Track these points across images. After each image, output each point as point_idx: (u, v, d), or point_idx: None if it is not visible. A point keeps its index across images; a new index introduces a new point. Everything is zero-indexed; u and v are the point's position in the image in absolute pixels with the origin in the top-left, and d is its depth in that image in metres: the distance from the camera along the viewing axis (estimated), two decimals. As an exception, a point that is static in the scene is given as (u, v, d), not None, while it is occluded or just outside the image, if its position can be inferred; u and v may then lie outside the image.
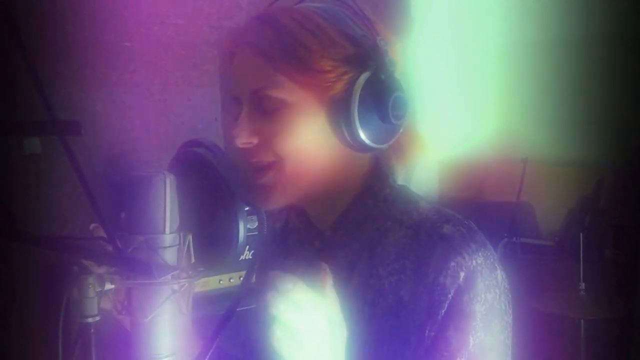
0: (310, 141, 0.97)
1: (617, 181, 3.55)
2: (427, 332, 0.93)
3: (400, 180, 1.07)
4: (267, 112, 0.97)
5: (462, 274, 0.92)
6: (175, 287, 0.94)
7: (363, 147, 0.97)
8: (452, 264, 0.92)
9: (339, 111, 0.95)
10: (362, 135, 0.95)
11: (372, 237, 1.01)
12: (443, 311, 0.92)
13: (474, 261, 0.93)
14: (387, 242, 0.99)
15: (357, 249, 1.01)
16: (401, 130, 1.01)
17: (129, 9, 2.51)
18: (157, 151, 2.56)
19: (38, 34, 2.30)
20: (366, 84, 0.95)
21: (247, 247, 0.98)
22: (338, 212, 1.03)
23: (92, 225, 0.99)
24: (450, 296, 0.92)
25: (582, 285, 2.83)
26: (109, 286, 0.91)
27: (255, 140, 0.97)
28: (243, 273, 0.97)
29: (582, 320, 2.86)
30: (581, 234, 2.93)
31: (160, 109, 2.65)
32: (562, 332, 3.05)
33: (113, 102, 2.51)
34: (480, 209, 3.58)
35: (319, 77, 0.95)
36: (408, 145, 1.06)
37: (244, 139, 0.97)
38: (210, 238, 0.98)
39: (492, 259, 0.96)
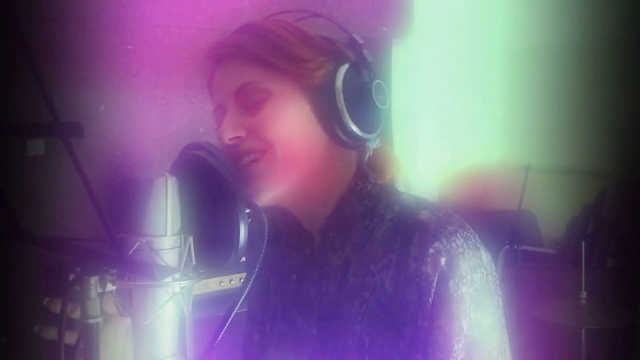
0: (296, 129, 0.99)
1: (620, 189, 3.53)
2: (419, 322, 0.93)
3: (398, 186, 1.08)
4: (251, 106, 0.99)
5: (442, 259, 0.92)
6: (176, 289, 0.95)
7: (352, 136, 0.98)
8: (431, 250, 0.93)
9: (323, 102, 0.98)
10: (352, 124, 0.97)
11: (361, 236, 1.01)
12: (431, 299, 0.92)
13: (452, 244, 0.93)
14: (375, 239, 1.00)
15: (348, 251, 1.02)
16: (378, 146, 1.05)
17: (132, 12, 2.53)
18: (159, 154, 2.56)
19: (41, 36, 2.31)
20: (347, 72, 0.98)
21: (250, 249, 0.99)
22: (326, 213, 1.04)
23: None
24: (434, 283, 0.92)
25: (584, 294, 2.80)
26: (110, 287, 0.91)
27: (242, 134, 1.00)
28: (244, 275, 0.98)
29: (583, 330, 2.83)
30: (583, 242, 2.91)
31: (163, 112, 2.66)
32: (563, 341, 3.02)
33: (116, 104, 2.52)
34: (482, 217, 3.55)
35: (299, 65, 0.98)
36: (385, 161, 1.08)
37: (230, 134, 0.99)
38: (211, 240, 0.98)
39: (472, 240, 0.96)
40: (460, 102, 4.04)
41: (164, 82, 2.66)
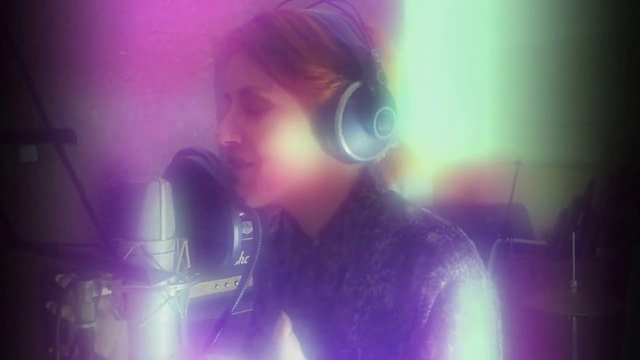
0: (291, 146, 0.97)
1: (608, 181, 3.59)
2: (411, 341, 0.93)
3: (392, 184, 1.07)
4: (252, 113, 0.97)
5: (442, 283, 0.92)
6: (172, 292, 0.95)
7: (345, 158, 0.96)
8: (433, 274, 0.92)
9: (323, 119, 0.95)
10: (345, 146, 0.94)
11: (360, 244, 1.00)
12: (425, 320, 0.92)
13: (456, 270, 0.92)
14: (375, 249, 0.98)
15: (345, 257, 1.01)
16: (396, 146, 1.01)
17: (125, 18, 2.52)
18: (153, 159, 2.56)
19: (33, 42, 2.30)
20: (354, 94, 0.94)
21: (242, 252, 0.99)
22: (326, 219, 1.03)
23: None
24: (430, 306, 0.92)
25: (574, 283, 2.83)
26: (105, 292, 0.91)
27: (238, 140, 0.98)
28: (239, 278, 0.98)
29: (574, 317, 2.88)
30: (574, 233, 2.94)
31: (156, 117, 2.65)
32: (554, 329, 3.07)
33: (108, 110, 2.52)
34: (474, 211, 3.59)
35: (307, 82, 0.95)
36: (402, 161, 1.06)
37: (227, 138, 0.97)
38: (205, 244, 0.98)
39: (477, 267, 0.95)
40: (451, 98, 4.06)
41: (157, 87, 2.66)
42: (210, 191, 0.97)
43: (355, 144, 0.95)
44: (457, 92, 4.12)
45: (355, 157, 0.96)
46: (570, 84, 3.68)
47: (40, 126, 0.82)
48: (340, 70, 0.96)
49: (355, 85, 0.95)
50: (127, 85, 2.57)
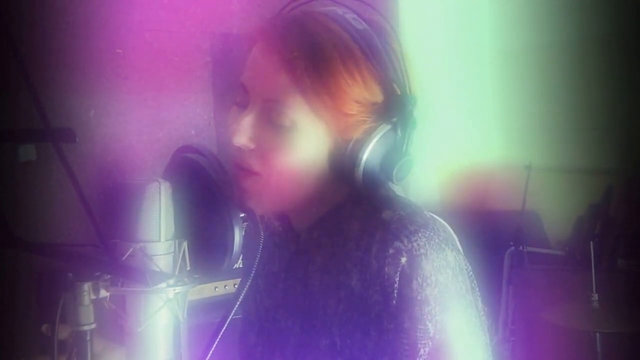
0: (305, 165, 0.96)
1: (626, 187, 3.46)
2: (384, 324, 0.91)
3: (398, 189, 1.06)
4: (273, 124, 0.94)
5: (403, 259, 0.90)
6: (171, 294, 0.94)
7: (355, 186, 0.96)
8: (391, 250, 0.91)
9: (346, 154, 0.94)
10: (360, 183, 0.94)
11: (341, 234, 1.00)
12: (394, 301, 0.90)
13: (414, 244, 0.91)
14: (350, 236, 0.98)
15: (330, 249, 1.00)
16: None
17: (121, 16, 2.51)
18: (151, 158, 2.55)
19: (31, 41, 2.29)
20: (381, 138, 0.93)
21: (242, 254, 0.98)
22: (317, 216, 1.03)
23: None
24: (397, 285, 0.90)
25: (595, 297, 2.66)
26: (103, 294, 0.91)
27: (252, 146, 0.95)
28: (238, 280, 0.97)
29: (597, 334, 2.70)
30: (592, 243, 2.80)
31: (154, 116, 2.64)
32: (578, 346, 2.87)
33: (106, 109, 2.51)
34: (484, 218, 3.49)
35: (342, 117, 0.93)
36: None
37: (243, 141, 0.94)
38: (205, 245, 0.98)
39: (436, 240, 0.93)
40: (459, 101, 4.02)
41: (155, 85, 2.65)
42: (209, 191, 0.96)
43: (369, 179, 0.95)
44: (465, 94, 4.07)
45: (363, 188, 0.96)
46: (586, 86, 3.59)
47: (39, 125, 0.81)
48: (374, 110, 0.94)
49: (385, 128, 0.94)
50: (124, 84, 2.56)
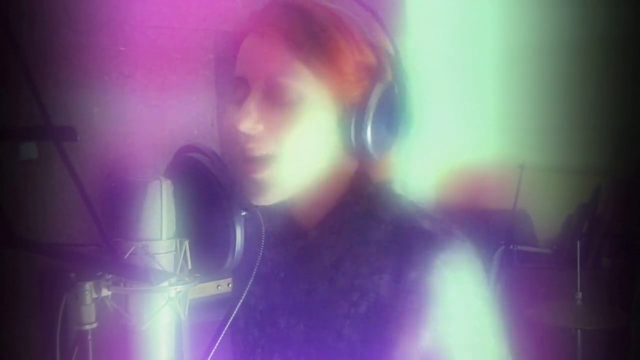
0: (314, 139, 0.95)
1: (614, 188, 3.51)
2: (419, 331, 0.91)
3: (396, 187, 1.05)
4: (278, 102, 0.93)
5: (446, 272, 0.90)
6: (172, 293, 0.94)
7: (364, 154, 0.96)
8: (436, 261, 0.91)
9: (353, 117, 0.94)
10: (370, 145, 0.94)
11: (355, 236, 0.99)
12: (433, 310, 0.90)
13: (457, 256, 0.91)
14: (369, 240, 0.97)
15: (341, 249, 0.99)
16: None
17: (124, 14, 2.51)
18: (153, 156, 2.55)
19: (33, 38, 2.29)
20: (382, 95, 0.94)
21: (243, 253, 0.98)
22: (324, 212, 1.01)
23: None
24: (437, 294, 0.90)
25: (579, 295, 2.76)
26: (105, 293, 0.90)
27: (260, 128, 0.93)
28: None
29: (578, 331, 2.80)
30: (579, 242, 2.87)
31: (156, 114, 2.64)
32: (559, 342, 2.99)
33: (108, 107, 2.51)
34: (477, 216, 3.53)
35: (342, 77, 0.94)
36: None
37: (250, 124, 0.92)
38: (207, 244, 0.97)
39: (473, 254, 0.94)
40: (453, 100, 4.03)
41: (157, 83, 2.65)
42: (211, 189, 0.95)
43: (377, 143, 0.95)
44: (459, 94, 4.09)
45: (372, 154, 0.96)
46: (576, 87, 3.63)
47: (40, 123, 0.80)
48: (369, 70, 0.96)
49: (381, 86, 0.95)
50: (127, 82, 2.56)
